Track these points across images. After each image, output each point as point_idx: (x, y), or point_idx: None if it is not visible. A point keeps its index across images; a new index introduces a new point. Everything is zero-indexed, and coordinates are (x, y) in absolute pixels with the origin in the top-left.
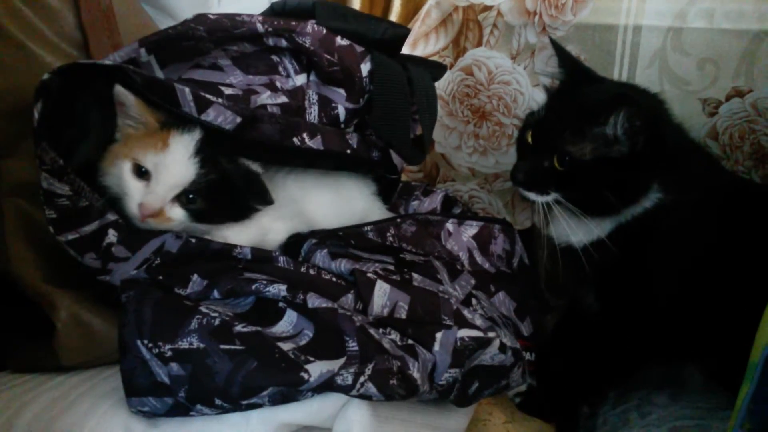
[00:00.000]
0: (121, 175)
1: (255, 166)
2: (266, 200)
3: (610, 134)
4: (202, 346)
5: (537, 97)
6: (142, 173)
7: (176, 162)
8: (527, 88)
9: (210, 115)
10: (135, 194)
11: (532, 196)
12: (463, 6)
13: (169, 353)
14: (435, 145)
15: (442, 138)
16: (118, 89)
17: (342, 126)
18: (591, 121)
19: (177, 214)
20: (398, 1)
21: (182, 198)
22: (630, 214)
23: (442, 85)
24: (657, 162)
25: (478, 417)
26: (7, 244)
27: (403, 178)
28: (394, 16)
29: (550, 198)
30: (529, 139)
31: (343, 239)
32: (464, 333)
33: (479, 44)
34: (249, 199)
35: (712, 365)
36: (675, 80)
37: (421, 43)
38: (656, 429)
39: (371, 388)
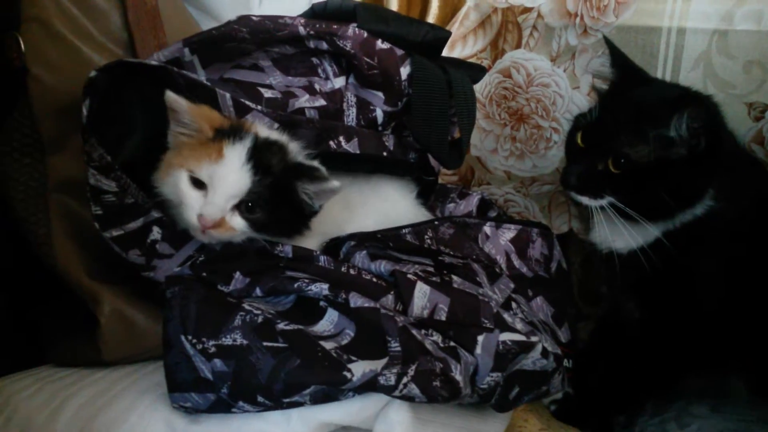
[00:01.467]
0: (178, 184)
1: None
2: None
3: (672, 136)
4: (245, 342)
5: (576, 100)
6: (198, 183)
7: (232, 171)
8: (567, 91)
9: (248, 121)
10: (194, 204)
11: (585, 200)
12: (503, 8)
13: (213, 349)
14: (470, 148)
15: (478, 141)
16: (170, 95)
17: (380, 128)
18: (652, 123)
19: (238, 223)
20: (436, 3)
21: (242, 207)
22: (680, 221)
23: (479, 88)
24: (715, 165)
25: (514, 423)
26: (52, 240)
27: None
28: (431, 18)
29: (604, 201)
30: (580, 142)
31: (381, 241)
32: (506, 336)
33: (518, 46)
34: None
35: (758, 377)
36: (720, 84)
37: (459, 44)
38: None
39: (414, 389)
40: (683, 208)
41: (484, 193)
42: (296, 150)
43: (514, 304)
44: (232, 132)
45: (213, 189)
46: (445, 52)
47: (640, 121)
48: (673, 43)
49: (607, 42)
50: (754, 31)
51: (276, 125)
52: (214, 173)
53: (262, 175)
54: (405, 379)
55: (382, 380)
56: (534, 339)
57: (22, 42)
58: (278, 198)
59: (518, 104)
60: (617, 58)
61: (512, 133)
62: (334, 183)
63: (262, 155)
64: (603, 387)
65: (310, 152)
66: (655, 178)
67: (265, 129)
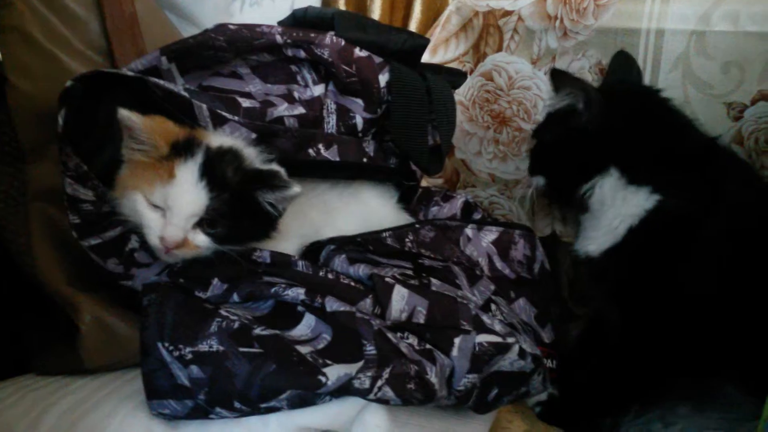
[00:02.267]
0: (135, 207)
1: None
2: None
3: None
4: (221, 348)
5: None
6: (156, 205)
7: (186, 191)
8: (547, 94)
9: (225, 131)
10: (154, 226)
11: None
12: (484, 11)
13: (190, 356)
14: (455, 151)
15: (462, 144)
16: (123, 113)
17: (360, 134)
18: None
19: (202, 240)
20: (419, 7)
21: (203, 224)
22: (637, 218)
23: (462, 91)
24: (611, 142)
25: (499, 425)
26: (32, 248)
27: (423, 183)
28: (414, 22)
29: (540, 180)
30: None
31: (361, 245)
32: (483, 338)
33: (499, 49)
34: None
35: (747, 379)
36: (699, 84)
37: (441, 48)
38: None
39: (389, 392)
40: (584, 180)
41: (469, 195)
42: (253, 155)
43: (493, 306)
44: (184, 147)
45: (170, 210)
46: (428, 56)
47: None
48: (652, 44)
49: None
50: (731, 32)
51: (253, 135)
52: (168, 195)
53: (219, 189)
54: (379, 382)
55: (356, 384)
56: (510, 340)
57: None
58: (239, 209)
59: (500, 107)
60: None
61: (495, 136)
62: (295, 189)
63: (215, 169)
64: (588, 389)
65: (267, 156)
66: (556, 152)
67: (218, 137)
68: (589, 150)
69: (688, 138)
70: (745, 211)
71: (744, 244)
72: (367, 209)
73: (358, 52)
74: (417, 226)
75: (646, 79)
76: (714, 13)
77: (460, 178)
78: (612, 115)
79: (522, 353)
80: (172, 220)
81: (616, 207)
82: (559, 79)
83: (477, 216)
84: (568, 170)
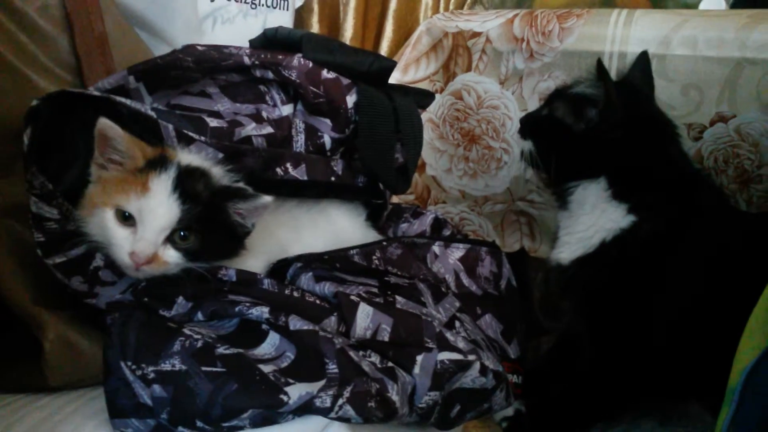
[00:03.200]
0: (104, 224)
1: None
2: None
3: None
4: (184, 368)
5: None
6: (126, 219)
7: (160, 203)
8: (515, 113)
9: (192, 151)
10: (123, 243)
11: (518, 138)
12: (453, 32)
13: (152, 375)
14: (426, 168)
15: (434, 160)
16: (104, 122)
17: (328, 154)
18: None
19: (172, 256)
20: (390, 26)
21: (174, 238)
22: (611, 234)
23: (432, 109)
24: (612, 154)
25: None
26: None
27: (395, 200)
28: (386, 41)
29: (527, 145)
30: None
31: (328, 262)
32: (444, 356)
33: (469, 69)
34: (235, 223)
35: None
36: (660, 105)
37: (413, 68)
38: None
39: (349, 410)
40: (572, 179)
41: (438, 212)
42: (220, 174)
43: (457, 323)
44: (158, 162)
45: (142, 223)
46: (399, 75)
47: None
48: (615, 66)
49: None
50: (690, 56)
51: (220, 155)
52: (143, 207)
53: (191, 203)
54: (340, 401)
55: (318, 402)
56: (471, 357)
57: None
58: (210, 224)
59: (470, 125)
60: None
61: (465, 153)
62: (266, 198)
63: (186, 183)
64: (555, 406)
65: (233, 176)
66: (555, 139)
67: (186, 156)
68: (588, 150)
69: (679, 168)
70: (715, 241)
71: (713, 273)
72: (336, 227)
73: (326, 74)
74: (384, 243)
75: None
76: (674, 37)
77: (431, 194)
78: (624, 130)
79: (483, 370)
80: (144, 235)
81: (594, 216)
82: (601, 70)
83: (446, 232)
84: (560, 159)
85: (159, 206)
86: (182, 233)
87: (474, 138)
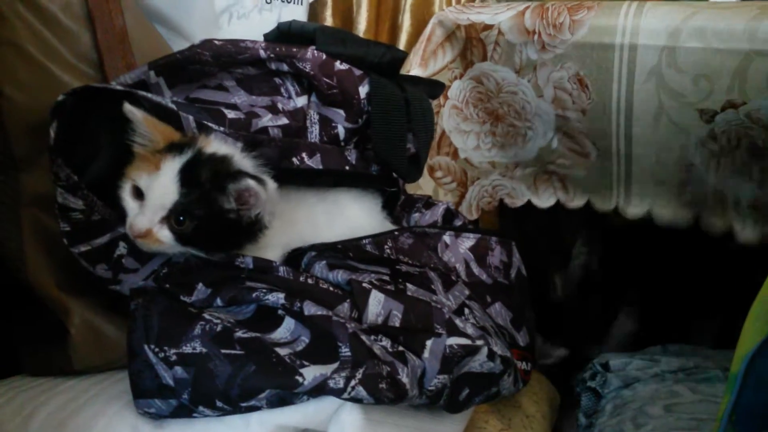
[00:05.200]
0: (123, 195)
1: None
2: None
3: None
4: (204, 350)
5: (542, 107)
6: (138, 194)
7: (162, 184)
8: (533, 99)
9: (223, 141)
10: (129, 214)
11: None
12: (465, 24)
13: (174, 357)
14: (459, 152)
15: (462, 143)
16: (127, 107)
17: (342, 143)
18: None
19: (165, 236)
20: (408, 20)
21: (171, 220)
22: None
23: (454, 95)
24: None
25: (475, 424)
26: (24, 253)
27: (433, 185)
28: (403, 33)
29: None
30: None
31: (341, 251)
32: (453, 341)
33: (484, 59)
34: (238, 229)
35: None
36: (672, 94)
37: (431, 60)
38: None
39: (361, 391)
40: None
41: (449, 203)
42: (246, 165)
43: (466, 310)
44: (178, 146)
45: (146, 200)
46: (419, 70)
47: None
48: (626, 58)
49: None
50: (700, 48)
51: (239, 144)
52: (149, 184)
53: (190, 187)
54: (353, 382)
55: (331, 383)
56: (479, 343)
57: None
58: (210, 212)
59: (492, 106)
60: None
61: (491, 129)
62: (248, 182)
63: (193, 170)
64: None
65: (262, 169)
66: None
67: (216, 145)
68: None
69: None
70: None
71: None
72: (351, 219)
73: (339, 66)
74: (396, 233)
75: (622, 91)
76: (684, 28)
77: (467, 175)
78: None
79: (491, 355)
80: (144, 211)
81: None
82: None
83: (458, 223)
84: None
85: (160, 187)
86: (180, 218)
87: (499, 116)
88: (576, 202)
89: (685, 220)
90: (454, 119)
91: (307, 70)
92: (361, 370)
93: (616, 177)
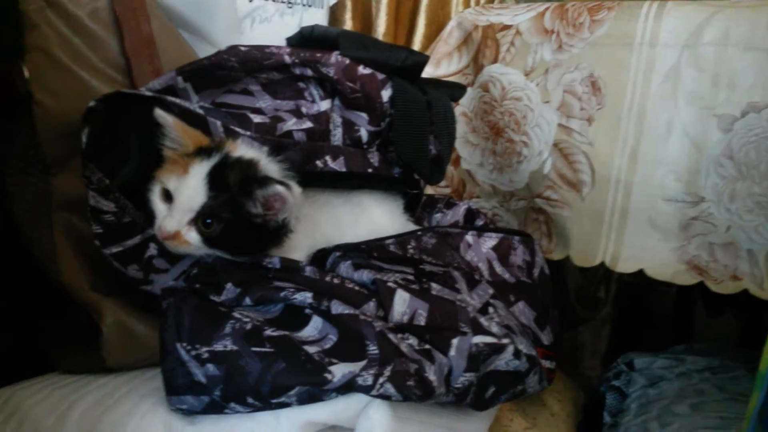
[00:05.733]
0: (153, 197)
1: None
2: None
3: None
4: (235, 348)
5: (546, 114)
6: (167, 196)
7: (191, 187)
8: (537, 105)
9: (251, 145)
10: (158, 216)
11: None
12: (484, 25)
13: (206, 355)
14: (461, 161)
15: (467, 154)
16: (158, 112)
17: (365, 146)
18: None
19: (193, 238)
20: (422, 22)
21: (199, 222)
22: None
23: (465, 102)
24: None
25: (500, 422)
26: (57, 255)
27: (429, 191)
28: (418, 35)
29: None
30: None
31: (365, 252)
32: (479, 339)
33: (495, 61)
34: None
35: None
36: (689, 96)
37: (445, 62)
38: None
39: (390, 388)
40: None
41: (471, 203)
42: (273, 169)
43: (491, 309)
44: (206, 150)
45: (174, 203)
46: (431, 70)
47: None
48: (644, 57)
49: None
50: (721, 48)
51: (264, 149)
52: (178, 187)
53: (218, 191)
54: (381, 379)
55: (360, 381)
56: (505, 341)
57: (26, 70)
58: (237, 215)
59: (495, 118)
60: None
61: (492, 147)
62: (277, 188)
63: (221, 173)
64: None
65: (288, 173)
66: None
67: (244, 149)
68: None
69: None
70: None
71: None
72: (377, 225)
73: (362, 70)
74: (419, 233)
75: (637, 92)
76: (705, 29)
77: (466, 188)
78: None
79: (517, 353)
80: (172, 213)
81: None
82: None
83: (479, 223)
84: None
85: (188, 190)
86: (207, 220)
87: (499, 131)
88: (556, 253)
89: (685, 280)
90: (462, 127)
91: (330, 75)
92: (389, 368)
93: (609, 218)
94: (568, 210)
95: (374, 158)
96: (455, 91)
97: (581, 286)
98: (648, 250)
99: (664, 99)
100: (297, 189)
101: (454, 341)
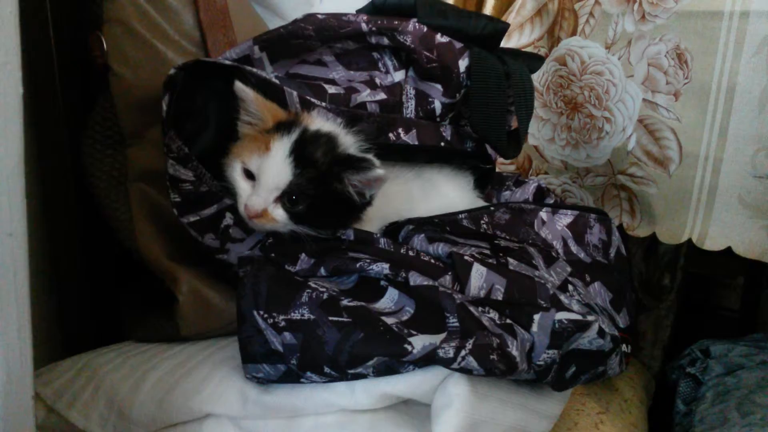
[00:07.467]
0: (234, 175)
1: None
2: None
3: None
4: (312, 317)
5: (630, 89)
6: (249, 174)
7: (275, 164)
8: (621, 79)
9: (325, 117)
10: (243, 195)
11: None
12: None
13: (283, 323)
14: (528, 137)
15: (536, 130)
16: (238, 85)
17: (438, 119)
18: None
19: (280, 215)
20: None
21: (284, 199)
22: None
23: (536, 76)
24: None
25: (572, 406)
26: (134, 225)
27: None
28: (488, 8)
29: None
30: None
31: (438, 225)
32: (562, 315)
33: (574, 33)
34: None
35: None
36: None
37: (516, 33)
38: (760, 429)
39: (472, 361)
40: None
41: (541, 181)
42: (349, 142)
43: (570, 287)
44: (285, 126)
45: (259, 181)
46: (503, 41)
47: None
48: (735, 27)
49: None
50: None
51: (339, 120)
52: (261, 165)
53: (304, 167)
54: (463, 353)
55: (441, 353)
56: (591, 318)
57: (104, 41)
58: (323, 191)
59: (573, 92)
60: None
61: (568, 122)
62: (378, 171)
63: (305, 149)
64: None
65: (363, 145)
66: None
67: (319, 122)
68: None
69: None
70: None
71: None
72: (447, 200)
73: (440, 38)
74: (492, 208)
75: (726, 65)
76: None
77: (532, 164)
78: None
79: (601, 332)
80: (258, 191)
81: None
82: None
83: (550, 201)
84: None
85: (273, 166)
86: (293, 197)
87: (576, 106)
88: (640, 230)
89: None
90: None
91: (407, 44)
92: (471, 341)
93: (696, 195)
94: (654, 187)
95: (447, 131)
96: (533, 62)
97: (645, 274)
98: (737, 228)
99: (756, 72)
100: (379, 163)
101: (536, 317)
